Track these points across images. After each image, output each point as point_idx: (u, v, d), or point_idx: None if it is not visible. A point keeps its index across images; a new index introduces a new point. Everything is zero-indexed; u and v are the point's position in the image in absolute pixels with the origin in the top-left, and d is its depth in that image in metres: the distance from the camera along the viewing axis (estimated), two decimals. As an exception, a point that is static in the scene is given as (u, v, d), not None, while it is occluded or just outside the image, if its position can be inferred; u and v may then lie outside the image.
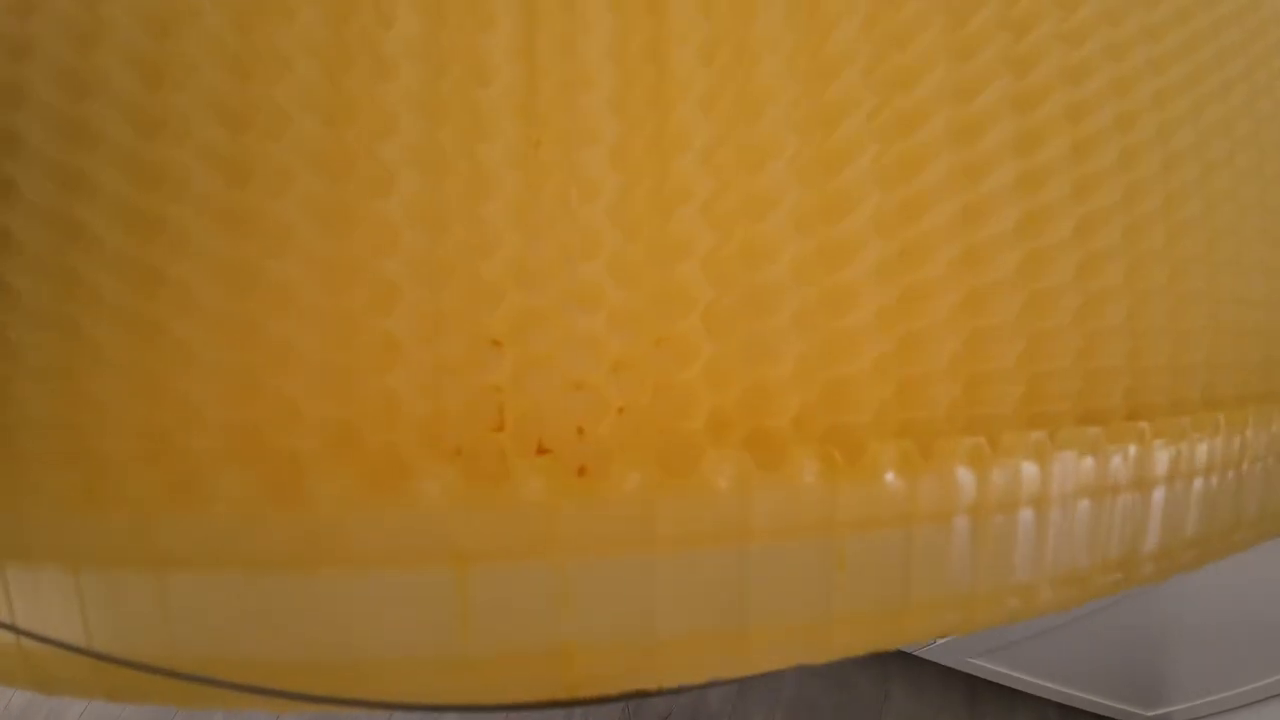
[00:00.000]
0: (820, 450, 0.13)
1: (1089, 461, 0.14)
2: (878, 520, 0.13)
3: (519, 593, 0.11)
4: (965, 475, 0.13)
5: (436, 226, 0.12)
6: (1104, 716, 0.93)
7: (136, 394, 0.12)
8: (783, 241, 0.13)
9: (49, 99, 0.12)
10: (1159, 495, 0.15)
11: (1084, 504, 0.14)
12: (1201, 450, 0.15)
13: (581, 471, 0.12)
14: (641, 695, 0.13)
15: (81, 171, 0.12)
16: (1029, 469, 0.13)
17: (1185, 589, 0.76)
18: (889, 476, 0.13)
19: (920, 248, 0.14)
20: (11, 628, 0.12)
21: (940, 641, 0.88)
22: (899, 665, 0.97)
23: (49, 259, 0.12)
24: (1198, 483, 0.16)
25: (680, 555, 0.13)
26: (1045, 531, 0.14)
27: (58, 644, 0.12)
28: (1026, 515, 0.14)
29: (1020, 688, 0.92)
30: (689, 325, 0.13)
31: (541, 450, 0.13)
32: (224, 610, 0.11)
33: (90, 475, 0.12)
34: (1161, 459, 0.15)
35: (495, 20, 0.14)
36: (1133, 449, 0.14)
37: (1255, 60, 0.18)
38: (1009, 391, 0.13)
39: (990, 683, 0.93)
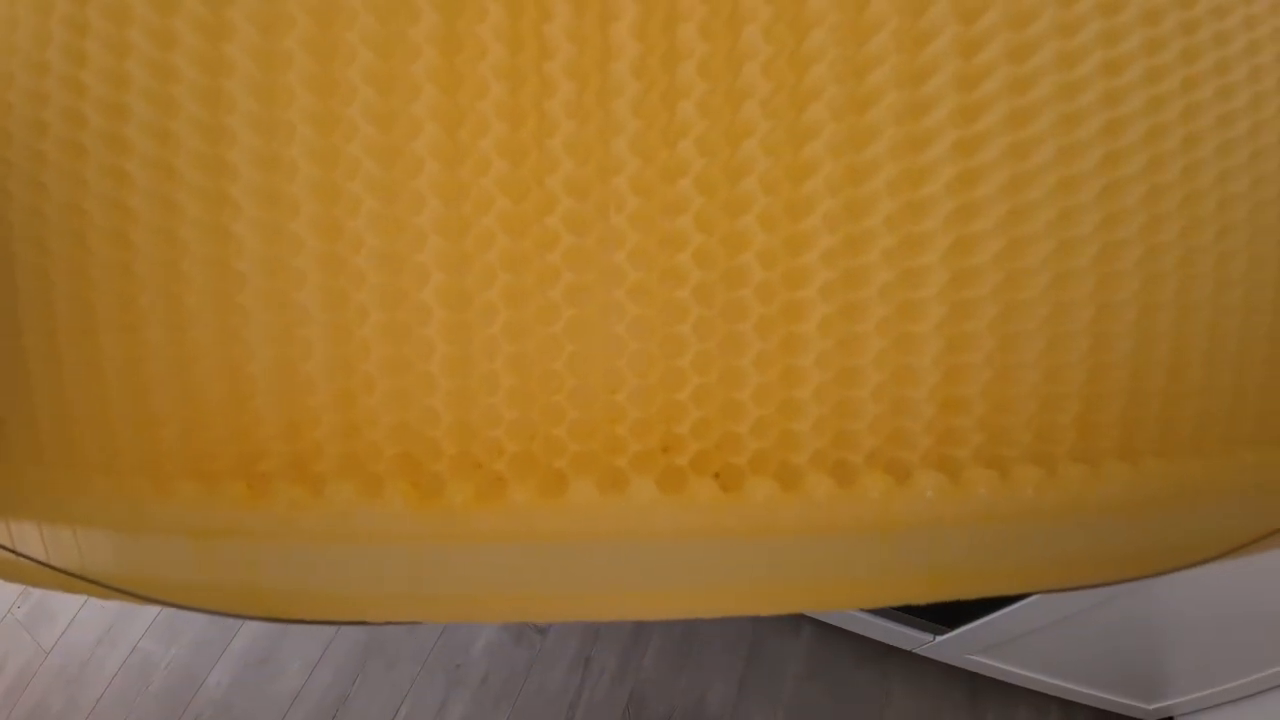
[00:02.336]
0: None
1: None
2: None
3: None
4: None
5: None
6: (1105, 711, 0.93)
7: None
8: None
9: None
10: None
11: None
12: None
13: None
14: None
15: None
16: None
17: (1184, 583, 0.76)
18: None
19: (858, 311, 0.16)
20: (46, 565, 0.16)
21: (939, 640, 0.89)
22: (899, 664, 0.98)
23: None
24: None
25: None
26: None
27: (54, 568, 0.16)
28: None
29: (1021, 684, 0.93)
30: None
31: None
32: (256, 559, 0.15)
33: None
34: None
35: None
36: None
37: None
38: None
39: (991, 679, 0.94)
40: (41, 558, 0.17)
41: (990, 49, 0.14)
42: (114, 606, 1.08)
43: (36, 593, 1.11)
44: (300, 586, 0.15)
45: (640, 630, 1.01)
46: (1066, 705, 0.94)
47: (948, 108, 0.13)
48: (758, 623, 1.02)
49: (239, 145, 0.14)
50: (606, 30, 0.13)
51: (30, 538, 0.17)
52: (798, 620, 1.02)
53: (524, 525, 0.13)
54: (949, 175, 0.13)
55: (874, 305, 0.13)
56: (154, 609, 1.06)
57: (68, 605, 1.10)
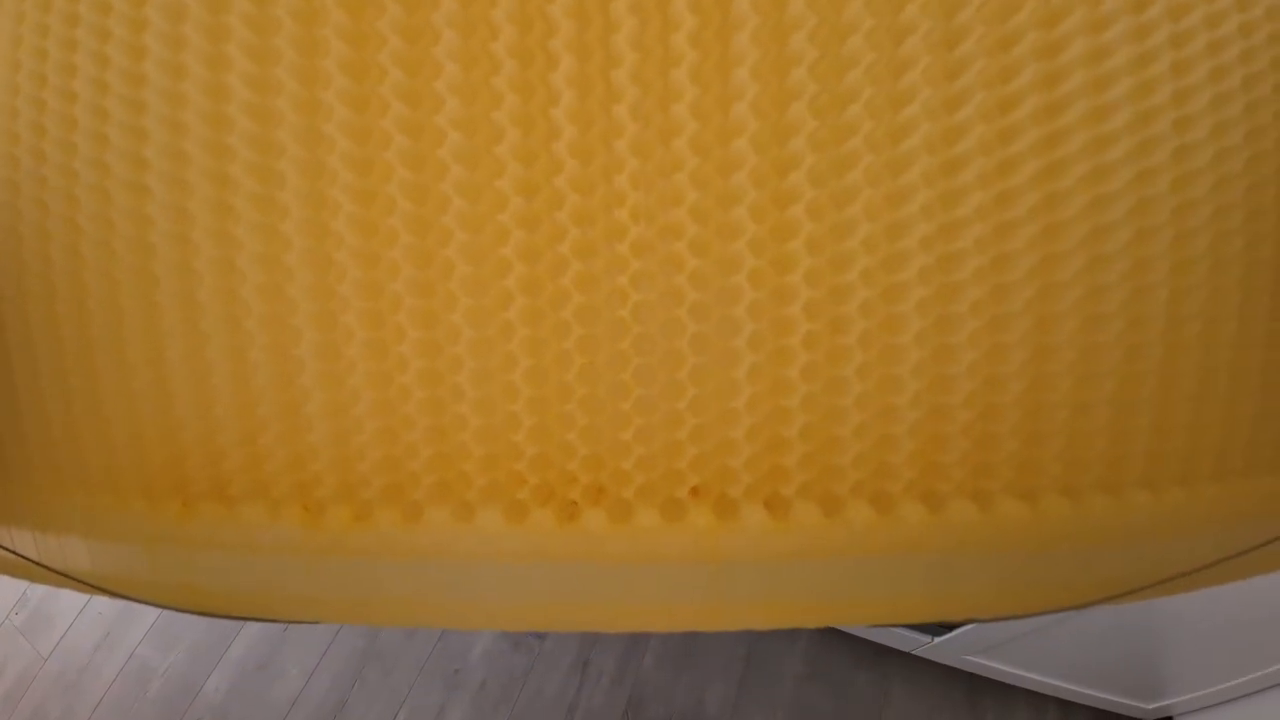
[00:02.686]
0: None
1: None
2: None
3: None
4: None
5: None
6: (1104, 710, 0.93)
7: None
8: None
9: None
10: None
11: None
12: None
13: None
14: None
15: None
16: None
17: (1181, 582, 0.75)
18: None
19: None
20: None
21: (938, 640, 0.90)
22: (898, 665, 0.99)
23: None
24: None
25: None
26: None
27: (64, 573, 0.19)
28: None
29: (1019, 684, 0.93)
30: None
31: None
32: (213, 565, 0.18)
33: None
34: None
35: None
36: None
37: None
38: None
39: (989, 680, 0.94)
40: (35, 558, 0.20)
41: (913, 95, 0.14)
42: (111, 613, 1.11)
43: (34, 599, 1.14)
44: (223, 587, 0.18)
45: (639, 633, 1.02)
46: (1065, 705, 0.94)
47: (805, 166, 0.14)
48: (757, 625, 1.03)
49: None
50: (609, 110, 0.15)
51: (25, 541, 0.20)
52: (796, 622, 1.02)
53: (388, 544, 0.16)
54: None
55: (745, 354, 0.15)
56: (151, 615, 1.09)
57: (65, 611, 1.12)
